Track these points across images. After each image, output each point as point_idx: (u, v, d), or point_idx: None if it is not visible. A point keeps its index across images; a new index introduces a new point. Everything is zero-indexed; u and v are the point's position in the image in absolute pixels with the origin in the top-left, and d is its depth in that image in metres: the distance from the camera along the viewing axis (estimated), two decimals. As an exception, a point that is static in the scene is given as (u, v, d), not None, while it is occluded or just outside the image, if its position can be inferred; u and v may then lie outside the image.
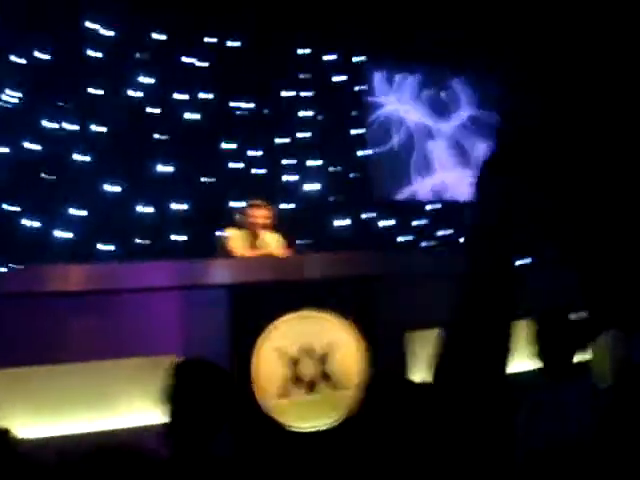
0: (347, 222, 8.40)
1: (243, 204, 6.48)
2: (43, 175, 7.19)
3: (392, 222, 8.67)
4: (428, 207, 9.09)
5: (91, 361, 4.35)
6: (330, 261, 5.62)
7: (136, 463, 1.81)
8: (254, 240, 6.09)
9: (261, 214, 6.08)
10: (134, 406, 4.31)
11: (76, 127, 7.45)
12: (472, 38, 8.53)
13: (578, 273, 6.93)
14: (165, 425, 2.22)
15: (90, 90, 7.57)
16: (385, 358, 5.09)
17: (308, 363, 4.88)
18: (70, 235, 7.11)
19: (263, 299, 4.81)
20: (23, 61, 7.35)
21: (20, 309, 4.40)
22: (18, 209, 6.98)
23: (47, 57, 7.42)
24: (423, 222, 8.89)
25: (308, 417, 4.80)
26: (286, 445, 4.65)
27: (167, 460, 2.14)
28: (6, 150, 7.06)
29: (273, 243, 6.13)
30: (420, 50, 8.58)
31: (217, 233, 6.99)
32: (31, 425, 4.10)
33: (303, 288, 5.00)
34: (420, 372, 5.29)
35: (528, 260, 7.67)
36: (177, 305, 4.66)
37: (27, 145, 7.16)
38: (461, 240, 8.71)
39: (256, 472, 2.31)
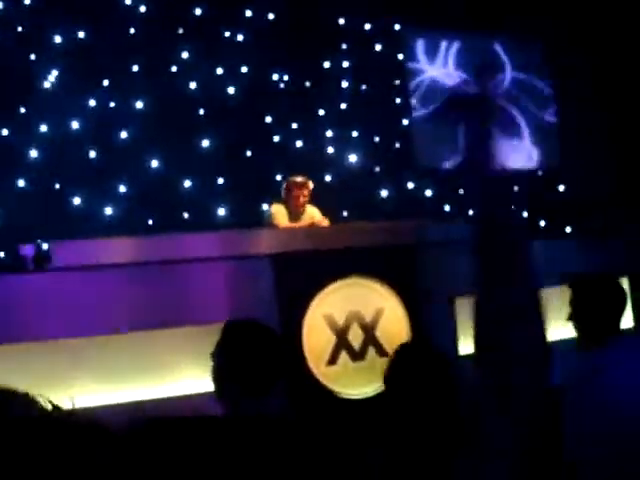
0: (391, 192, 8.38)
1: (286, 178, 6.50)
2: (90, 153, 7.32)
3: (436, 192, 8.62)
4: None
5: (145, 330, 4.44)
6: (375, 230, 5.63)
7: (189, 428, 1.83)
8: (298, 214, 6.13)
9: (304, 192, 6.10)
10: (186, 374, 4.39)
11: (118, 104, 7.54)
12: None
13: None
14: (216, 385, 2.25)
15: (132, 68, 7.65)
16: (433, 325, 5.11)
17: (356, 330, 4.92)
18: (116, 211, 7.25)
19: (310, 268, 4.84)
20: (63, 41, 7.46)
21: (74, 282, 4.51)
22: (65, 186, 7.14)
23: (86, 36, 7.51)
24: (464, 191, 8.82)
25: (357, 384, 4.84)
26: (336, 411, 4.70)
27: (220, 420, 2.18)
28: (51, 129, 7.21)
29: (317, 216, 6.17)
30: (459, 15, 8.45)
31: (262, 207, 7.05)
32: (89, 393, 4.22)
33: (349, 256, 5.02)
34: (469, 338, 5.31)
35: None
36: (226, 275, 4.72)
37: (73, 124, 7.30)
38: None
39: (307, 436, 2.33)
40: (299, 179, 6.18)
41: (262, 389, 2.21)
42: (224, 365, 2.24)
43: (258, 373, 2.20)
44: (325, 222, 6.13)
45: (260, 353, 2.22)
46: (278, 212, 6.13)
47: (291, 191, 6.13)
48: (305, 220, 6.14)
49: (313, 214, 6.20)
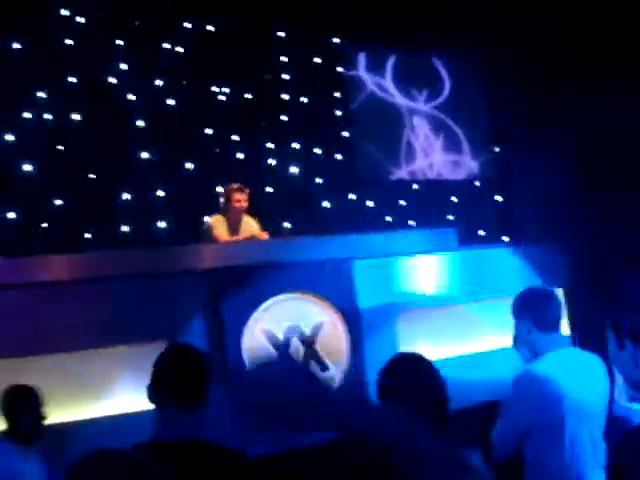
0: (332, 204, 8.41)
1: (224, 189, 6.48)
2: (25, 166, 7.14)
3: (377, 203, 8.69)
4: (413, 187, 9.12)
5: (80, 350, 4.34)
6: (313, 243, 5.65)
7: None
8: (236, 224, 6.11)
9: (243, 197, 6.09)
10: (120, 393, 4.31)
11: (55, 116, 7.38)
12: (452, 18, 8.50)
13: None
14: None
15: (68, 79, 7.50)
16: (373, 338, 5.13)
17: (296, 344, 4.91)
18: (52, 225, 7.08)
19: (249, 282, 4.81)
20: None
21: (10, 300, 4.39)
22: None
23: (20, 46, 7.34)
24: (407, 201, 8.92)
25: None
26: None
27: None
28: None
29: (254, 226, 6.17)
30: (401, 31, 8.53)
31: (202, 219, 7.00)
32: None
33: (288, 270, 5.01)
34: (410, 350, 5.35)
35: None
36: (161, 291, 4.65)
37: (6, 137, 7.11)
38: (448, 217, 8.79)
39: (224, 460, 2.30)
40: (236, 185, 6.18)
41: (187, 405, 2.23)
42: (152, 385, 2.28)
43: (181, 389, 2.24)
44: (264, 235, 6.13)
45: (181, 370, 2.27)
46: (217, 222, 6.10)
47: (229, 197, 6.12)
48: (244, 231, 6.13)
49: (251, 225, 6.19)
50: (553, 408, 2.79)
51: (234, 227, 6.11)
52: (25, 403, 3.59)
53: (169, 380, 2.25)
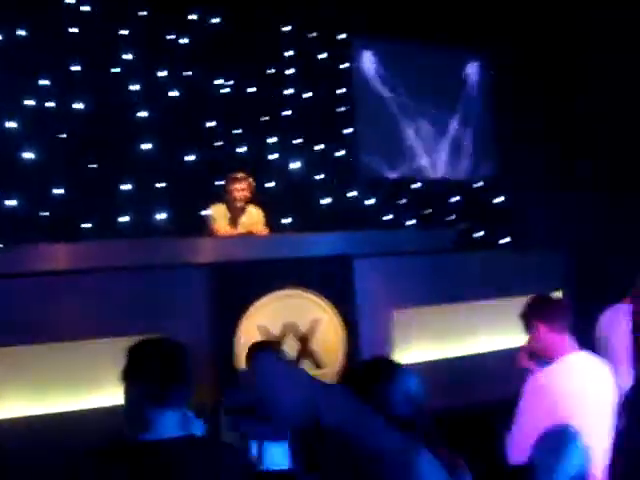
0: (333, 200, 8.39)
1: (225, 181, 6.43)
2: (26, 154, 7.13)
3: (377, 200, 8.67)
4: (412, 186, 9.09)
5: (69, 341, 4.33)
6: (312, 240, 5.62)
7: None
8: (238, 215, 6.08)
9: (242, 187, 6.04)
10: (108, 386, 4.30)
11: (57, 104, 7.37)
12: (460, 16, 8.48)
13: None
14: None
15: (71, 67, 7.48)
16: (370, 336, 5.12)
17: (291, 341, 4.89)
18: (52, 214, 7.07)
19: (245, 278, 4.80)
20: (1, 38, 7.25)
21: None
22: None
23: (26, 33, 7.32)
24: (407, 201, 8.89)
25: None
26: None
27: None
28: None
29: (255, 217, 6.13)
30: (408, 28, 8.50)
31: (201, 212, 6.97)
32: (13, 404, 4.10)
33: (285, 266, 5.00)
34: (405, 350, 5.34)
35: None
36: (157, 284, 4.64)
37: (7, 124, 7.10)
38: (449, 217, 8.78)
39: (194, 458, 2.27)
40: (237, 174, 6.12)
41: (161, 397, 2.15)
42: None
43: (155, 381, 2.16)
44: (262, 231, 6.06)
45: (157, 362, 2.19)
46: (217, 212, 6.05)
47: (229, 186, 6.06)
48: (246, 222, 6.08)
49: (252, 215, 6.14)
50: (566, 411, 2.84)
51: (235, 218, 6.08)
52: None
53: (148, 376, 2.16)
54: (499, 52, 8.87)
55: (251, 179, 6.15)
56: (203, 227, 6.23)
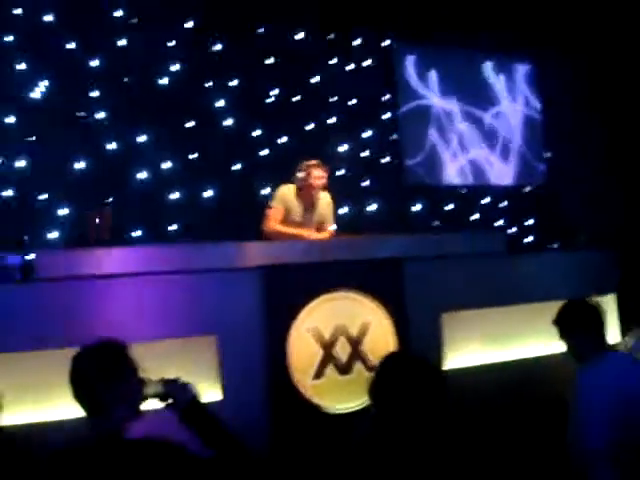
0: (380, 207, 8.38)
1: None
2: (77, 163, 7.28)
3: (425, 206, 8.64)
4: (460, 191, 9.05)
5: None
6: (362, 243, 5.62)
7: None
8: (312, 201, 6.12)
9: (321, 174, 6.07)
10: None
11: (109, 114, 7.51)
12: (504, 21, 8.43)
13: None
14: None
15: (123, 79, 7.63)
16: (420, 339, 5.07)
17: (343, 344, 4.87)
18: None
19: (297, 280, 4.80)
20: (54, 50, 7.43)
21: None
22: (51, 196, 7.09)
23: (77, 46, 7.49)
24: (454, 206, 8.85)
25: (343, 398, 4.79)
26: (321, 426, 4.65)
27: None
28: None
29: (324, 204, 6.20)
30: (453, 35, 8.49)
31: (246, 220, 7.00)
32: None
33: (336, 269, 4.98)
34: (455, 352, 5.29)
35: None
36: (212, 287, 4.66)
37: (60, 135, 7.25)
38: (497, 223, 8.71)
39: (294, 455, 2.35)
40: (314, 161, 6.09)
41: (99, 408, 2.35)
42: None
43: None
44: (332, 222, 6.21)
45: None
46: (288, 192, 6.07)
47: (309, 173, 6.03)
48: (320, 208, 6.15)
49: (325, 203, 6.21)
50: (622, 409, 2.93)
51: (309, 204, 6.10)
52: None
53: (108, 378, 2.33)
54: (549, 56, 8.79)
55: (325, 166, 6.14)
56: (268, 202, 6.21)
